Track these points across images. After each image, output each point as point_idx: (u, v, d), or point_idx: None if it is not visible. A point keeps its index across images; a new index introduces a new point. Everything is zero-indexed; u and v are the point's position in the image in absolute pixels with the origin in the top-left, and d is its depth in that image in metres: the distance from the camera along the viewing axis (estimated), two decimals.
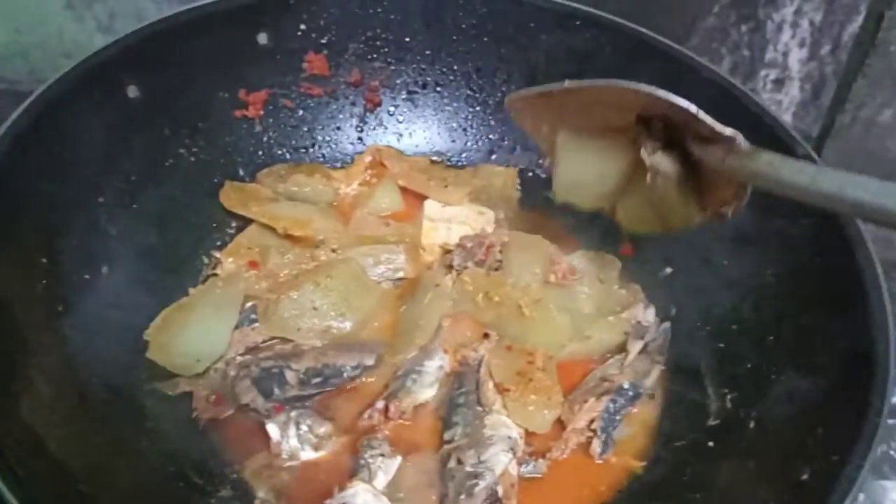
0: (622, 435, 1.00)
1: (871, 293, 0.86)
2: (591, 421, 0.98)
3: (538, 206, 1.24)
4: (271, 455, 0.93)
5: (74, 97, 0.98)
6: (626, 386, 1.01)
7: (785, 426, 0.87)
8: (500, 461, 0.90)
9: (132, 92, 1.05)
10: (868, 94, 1.46)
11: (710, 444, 0.95)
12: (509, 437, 0.93)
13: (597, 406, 0.98)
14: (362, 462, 0.90)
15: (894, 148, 1.55)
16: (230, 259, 1.11)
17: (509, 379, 1.00)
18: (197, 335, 1.02)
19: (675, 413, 1.01)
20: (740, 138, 0.78)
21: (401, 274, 1.14)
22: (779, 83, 1.54)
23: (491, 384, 1.00)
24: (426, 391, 0.99)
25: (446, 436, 0.95)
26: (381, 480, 0.89)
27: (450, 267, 1.12)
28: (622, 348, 1.06)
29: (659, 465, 0.97)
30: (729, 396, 0.97)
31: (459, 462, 0.90)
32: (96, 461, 0.84)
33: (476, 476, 0.88)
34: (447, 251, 1.15)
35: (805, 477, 0.77)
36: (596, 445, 0.97)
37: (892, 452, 1.51)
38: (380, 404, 0.97)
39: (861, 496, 1.45)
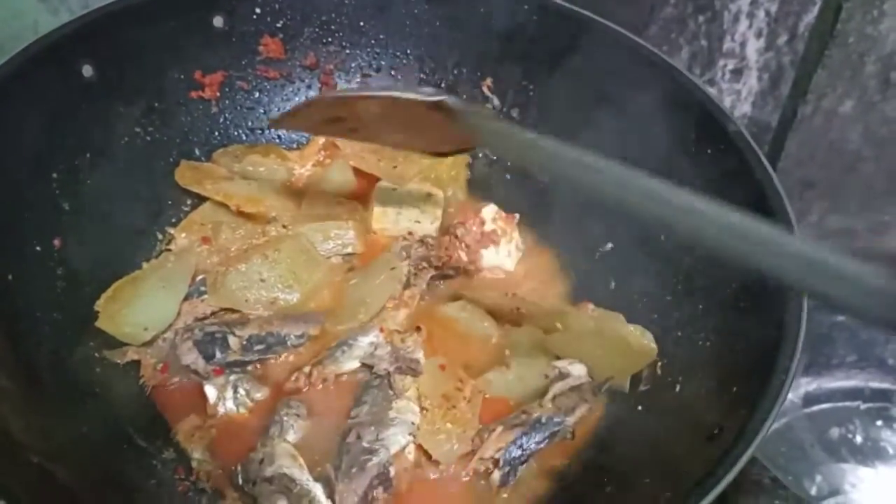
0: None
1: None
2: (499, 450, 0.94)
3: (485, 185, 1.28)
4: (205, 416, 0.96)
5: (28, 75, 1.00)
6: (543, 420, 0.96)
7: (706, 387, 0.90)
8: (397, 441, 0.93)
9: (87, 71, 1.07)
10: (828, 85, 1.48)
11: (639, 408, 0.97)
12: (412, 423, 0.95)
13: (507, 436, 0.94)
14: (276, 419, 0.93)
15: (855, 139, 1.58)
16: (183, 235, 1.14)
17: (433, 398, 0.99)
18: (146, 306, 1.04)
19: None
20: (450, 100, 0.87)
21: (349, 250, 1.16)
22: (737, 73, 1.56)
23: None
24: (350, 363, 1.01)
25: (353, 412, 0.97)
26: (291, 438, 0.92)
27: (408, 256, 1.14)
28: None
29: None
30: (659, 364, 1.00)
31: (358, 437, 0.93)
32: (47, 432, 0.86)
33: (371, 452, 0.91)
34: (406, 238, 1.18)
35: (716, 431, 0.79)
36: (496, 476, 0.93)
37: (849, 436, 1.53)
38: (306, 369, 1.00)
39: (818, 477, 1.48)
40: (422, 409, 0.97)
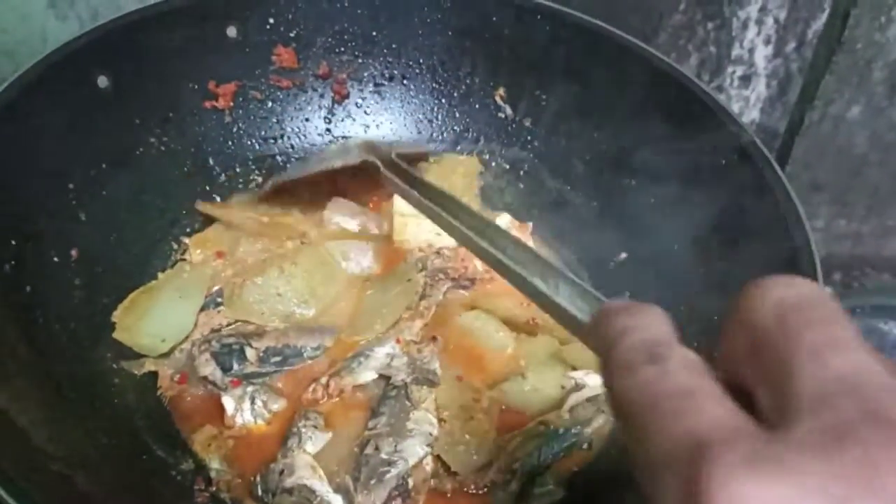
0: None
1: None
2: (516, 461, 0.95)
3: (498, 194, 1.29)
4: (223, 426, 0.96)
5: (44, 86, 1.01)
6: (560, 432, 0.97)
7: None
8: (416, 453, 0.93)
9: (102, 82, 1.08)
10: (836, 91, 1.49)
11: None
12: (430, 434, 0.95)
13: (525, 447, 0.96)
14: (294, 430, 0.94)
15: (862, 144, 1.58)
16: (198, 251, 1.15)
17: (451, 409, 0.99)
18: (163, 317, 1.05)
19: None
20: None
21: (368, 272, 1.16)
22: (745, 80, 1.57)
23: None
24: (367, 374, 1.01)
25: (370, 424, 0.97)
26: (310, 449, 0.93)
27: (423, 268, 1.14)
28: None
29: None
30: None
31: (377, 449, 0.93)
32: (67, 441, 0.86)
33: (389, 464, 0.91)
34: (422, 249, 1.18)
35: None
36: (513, 487, 0.93)
37: None
38: (323, 380, 1.00)
39: None
40: (440, 420, 0.98)
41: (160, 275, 1.12)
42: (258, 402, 0.97)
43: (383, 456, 0.92)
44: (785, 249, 0.93)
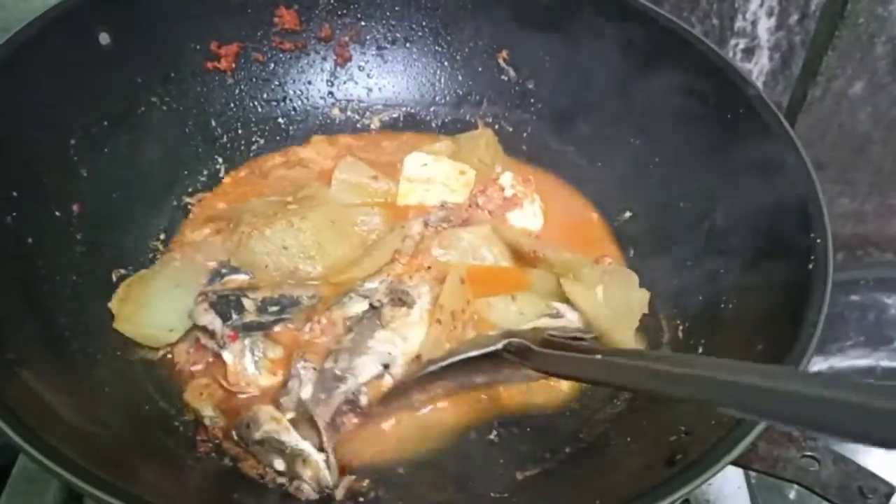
0: None
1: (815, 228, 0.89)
2: None
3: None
4: (227, 383, 0.97)
5: (45, 41, 1.00)
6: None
7: (729, 348, 0.90)
8: (368, 371, 0.94)
9: (104, 39, 1.07)
10: (839, 67, 1.48)
11: None
12: (389, 354, 0.96)
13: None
14: (293, 372, 0.94)
15: (865, 120, 1.58)
16: (195, 231, 1.14)
17: (446, 313, 1.00)
18: (162, 307, 1.02)
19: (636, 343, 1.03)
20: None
21: (374, 236, 1.14)
22: (749, 52, 1.56)
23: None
24: (357, 306, 1.01)
25: (339, 339, 0.98)
26: (308, 390, 0.92)
27: (426, 224, 1.13)
28: None
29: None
30: (681, 327, 1.00)
31: (335, 362, 0.94)
32: (75, 391, 0.87)
33: (340, 380, 0.92)
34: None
35: None
36: None
37: None
38: (316, 318, 1.00)
39: None
40: (437, 320, 0.98)
41: (159, 249, 1.12)
42: (257, 354, 0.96)
43: (337, 372, 0.93)
44: (792, 200, 0.92)
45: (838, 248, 1.73)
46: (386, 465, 0.93)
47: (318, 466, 0.86)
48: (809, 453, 0.76)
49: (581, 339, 0.96)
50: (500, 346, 0.90)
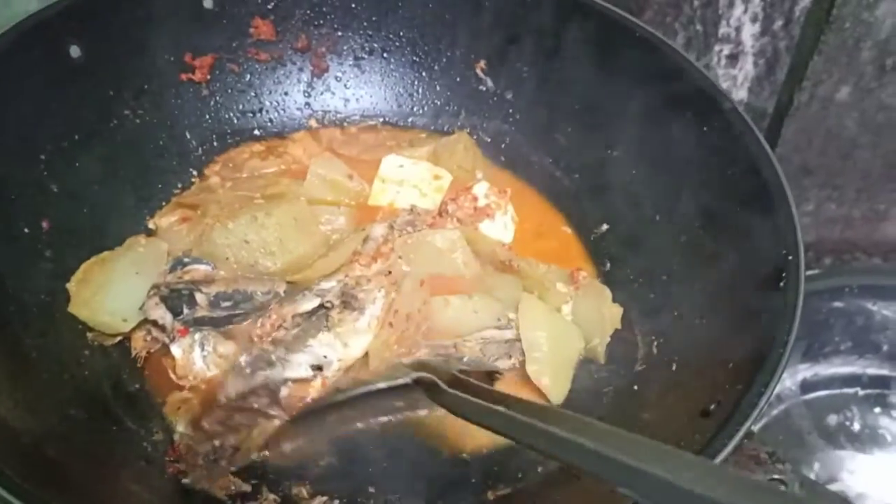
0: None
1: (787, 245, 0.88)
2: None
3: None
4: (177, 378, 0.97)
5: (14, 55, 0.99)
6: (464, 360, 1.00)
7: (702, 364, 0.89)
8: (298, 369, 0.94)
9: (75, 52, 1.06)
10: (825, 72, 1.47)
11: (635, 387, 0.96)
12: (325, 357, 0.96)
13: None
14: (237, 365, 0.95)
15: (852, 126, 1.57)
16: (163, 218, 1.14)
17: (400, 315, 1.00)
18: (122, 293, 1.01)
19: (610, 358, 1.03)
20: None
21: (337, 236, 1.14)
22: (733, 58, 1.55)
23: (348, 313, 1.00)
24: (308, 304, 1.00)
25: (285, 334, 0.98)
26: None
27: (391, 227, 1.11)
28: None
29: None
30: (655, 343, 0.99)
31: (272, 345, 0.95)
32: (37, 413, 0.85)
33: (270, 364, 0.93)
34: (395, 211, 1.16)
35: (712, 406, 0.78)
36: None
37: (847, 423, 1.52)
38: (267, 314, 0.99)
39: (816, 465, 1.47)
40: (389, 323, 0.98)
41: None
42: (207, 349, 0.96)
43: (271, 357, 0.94)
44: (768, 217, 0.92)
45: (826, 252, 1.72)
46: (356, 483, 0.93)
47: None
48: (776, 476, 0.75)
49: (499, 375, 1.00)
50: (408, 379, 0.92)
